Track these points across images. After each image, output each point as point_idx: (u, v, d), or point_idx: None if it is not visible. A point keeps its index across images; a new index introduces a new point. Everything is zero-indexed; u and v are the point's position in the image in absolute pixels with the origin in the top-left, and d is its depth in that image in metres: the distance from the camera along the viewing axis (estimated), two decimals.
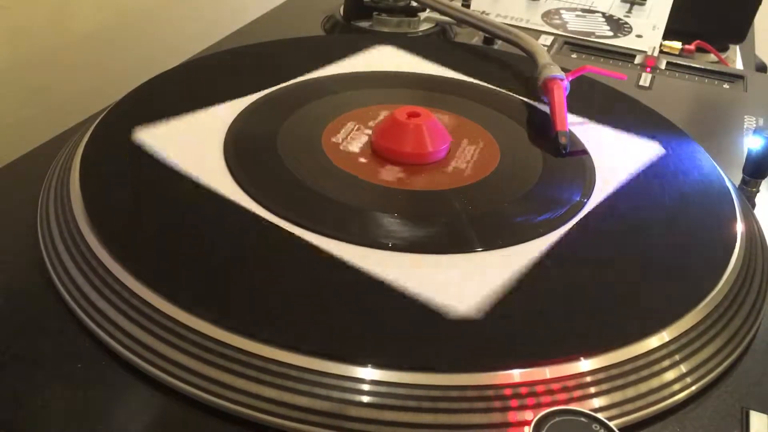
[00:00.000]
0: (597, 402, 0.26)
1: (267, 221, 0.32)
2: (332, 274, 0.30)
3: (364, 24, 0.60)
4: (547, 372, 0.26)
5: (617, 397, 0.26)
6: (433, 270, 0.30)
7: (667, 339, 0.28)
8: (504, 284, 0.30)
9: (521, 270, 0.31)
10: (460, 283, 0.30)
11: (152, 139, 0.38)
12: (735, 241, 0.34)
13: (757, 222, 0.38)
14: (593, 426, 0.23)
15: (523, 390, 0.25)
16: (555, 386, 0.26)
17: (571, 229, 0.34)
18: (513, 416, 0.25)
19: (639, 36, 0.65)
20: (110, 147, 0.37)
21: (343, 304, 0.29)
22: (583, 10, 0.70)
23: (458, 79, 0.49)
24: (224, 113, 0.41)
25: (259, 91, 0.44)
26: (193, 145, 0.38)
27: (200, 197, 0.34)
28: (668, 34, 0.65)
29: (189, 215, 0.33)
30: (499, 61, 0.53)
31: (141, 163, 0.36)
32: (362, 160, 0.38)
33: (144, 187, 0.35)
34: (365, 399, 0.25)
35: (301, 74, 0.47)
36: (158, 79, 0.45)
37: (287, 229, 0.32)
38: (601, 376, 0.26)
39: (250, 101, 0.43)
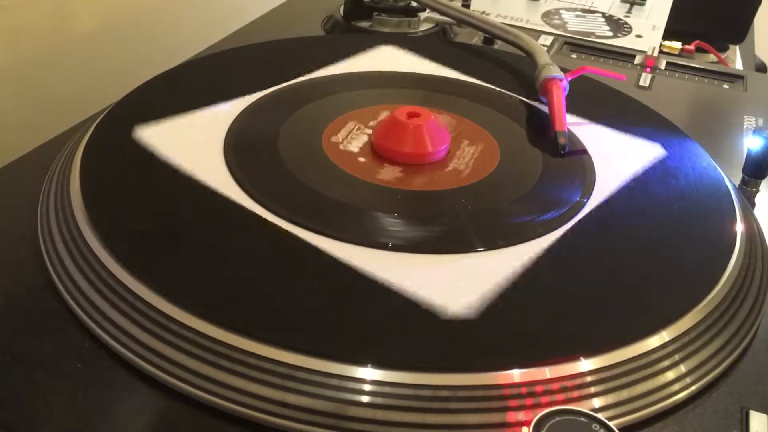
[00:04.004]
0: (597, 402, 0.26)
1: (279, 229, 0.32)
2: (333, 274, 0.30)
3: (364, 24, 0.60)
4: (547, 372, 0.26)
5: (617, 397, 0.26)
6: (433, 270, 0.30)
7: (667, 339, 0.28)
8: (503, 284, 0.30)
9: (521, 270, 0.31)
10: (460, 282, 0.30)
11: (152, 138, 0.38)
12: (735, 241, 0.34)
13: (757, 222, 0.38)
14: (593, 426, 0.23)
15: (523, 390, 0.25)
16: (555, 386, 0.26)
17: (571, 228, 0.34)
18: (513, 416, 0.25)
19: (639, 36, 0.65)
20: (110, 147, 0.37)
21: (344, 304, 0.29)
22: (583, 10, 0.70)
23: (458, 79, 0.49)
24: (225, 113, 0.41)
25: (260, 90, 0.44)
26: (193, 144, 0.38)
27: (201, 197, 0.34)
28: (668, 34, 0.65)
29: (189, 216, 0.33)
30: (499, 61, 0.53)
31: (141, 163, 0.36)
32: (362, 160, 0.38)
33: (144, 187, 0.35)
34: (365, 399, 0.25)
35: (302, 75, 0.47)
36: (158, 79, 0.45)
37: (288, 229, 0.32)
38: (601, 376, 0.26)
39: (250, 101, 0.43)
